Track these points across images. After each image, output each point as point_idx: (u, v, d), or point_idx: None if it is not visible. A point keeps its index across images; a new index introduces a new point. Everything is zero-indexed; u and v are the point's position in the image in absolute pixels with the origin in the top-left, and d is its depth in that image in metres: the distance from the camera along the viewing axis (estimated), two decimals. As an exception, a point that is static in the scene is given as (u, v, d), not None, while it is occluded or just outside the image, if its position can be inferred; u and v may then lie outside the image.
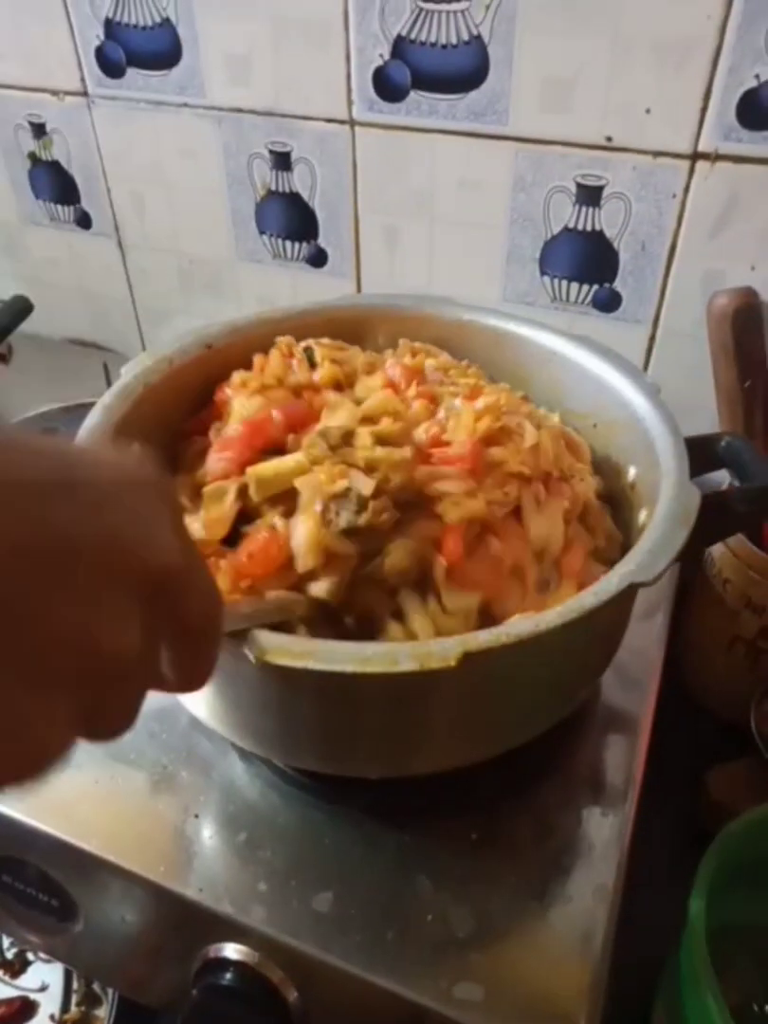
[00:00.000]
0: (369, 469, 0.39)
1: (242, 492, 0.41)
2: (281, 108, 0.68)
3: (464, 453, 0.41)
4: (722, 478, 0.51)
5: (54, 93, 0.76)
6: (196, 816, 0.44)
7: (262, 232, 0.75)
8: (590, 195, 0.61)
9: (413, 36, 0.60)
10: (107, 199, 0.81)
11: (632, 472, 0.46)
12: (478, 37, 0.58)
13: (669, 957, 0.44)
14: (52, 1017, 0.61)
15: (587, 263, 0.64)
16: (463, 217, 0.67)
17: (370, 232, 0.71)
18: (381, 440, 0.41)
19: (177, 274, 0.83)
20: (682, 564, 0.37)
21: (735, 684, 0.59)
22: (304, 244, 0.74)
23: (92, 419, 0.44)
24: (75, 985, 0.62)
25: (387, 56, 0.62)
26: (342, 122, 0.66)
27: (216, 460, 0.43)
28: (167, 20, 0.67)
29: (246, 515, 0.41)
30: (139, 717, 0.24)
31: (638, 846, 0.44)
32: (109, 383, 0.46)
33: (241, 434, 0.43)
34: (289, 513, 0.39)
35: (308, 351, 0.49)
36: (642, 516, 0.42)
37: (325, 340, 0.51)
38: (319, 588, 0.37)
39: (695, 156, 0.57)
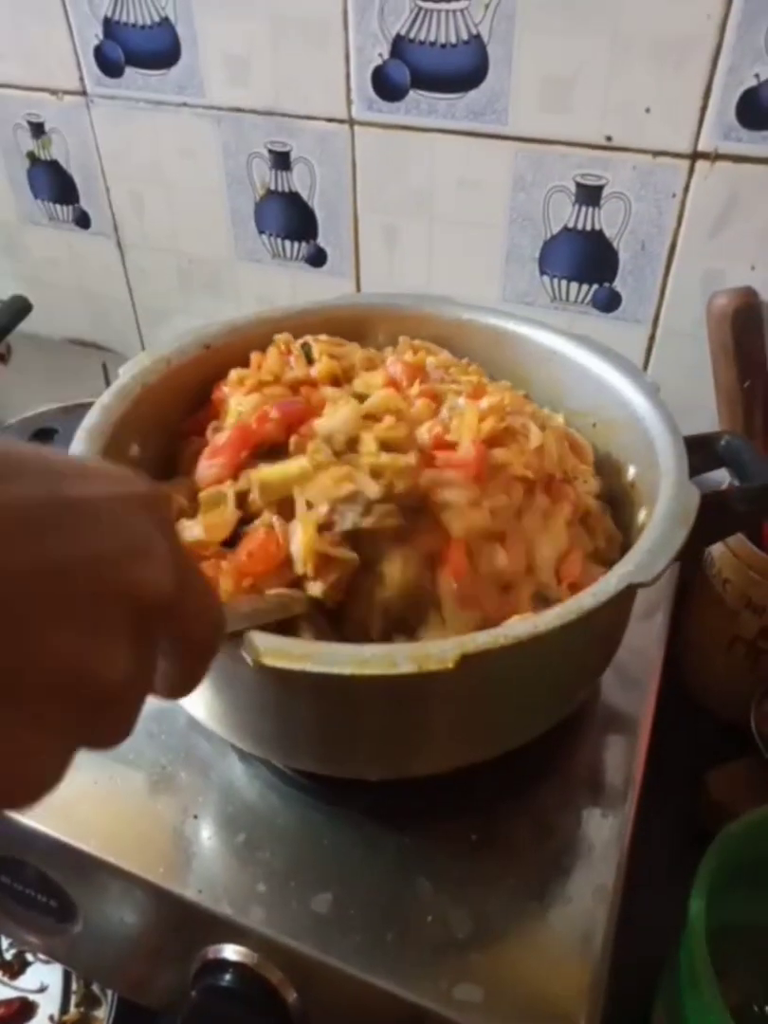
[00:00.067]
0: (374, 475, 0.38)
1: (241, 495, 0.40)
2: (280, 107, 0.67)
3: (469, 459, 0.41)
4: (721, 477, 0.51)
5: (53, 92, 0.76)
6: (195, 817, 0.44)
7: (261, 232, 0.75)
8: (590, 195, 0.61)
9: (412, 35, 0.60)
10: (106, 199, 0.81)
11: (631, 471, 0.45)
12: (477, 36, 0.58)
13: (669, 957, 0.44)
14: (51, 1018, 0.61)
15: (587, 263, 0.64)
16: (463, 216, 0.67)
17: (369, 232, 0.71)
18: (385, 445, 0.40)
19: (176, 274, 0.82)
20: (682, 564, 0.37)
21: (735, 684, 0.59)
22: (303, 244, 0.74)
23: (90, 419, 0.43)
24: (74, 986, 0.62)
25: (386, 55, 0.61)
26: (341, 121, 0.66)
27: (207, 466, 0.42)
28: (166, 19, 0.67)
29: (244, 515, 0.41)
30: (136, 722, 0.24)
31: (638, 846, 0.44)
32: (108, 383, 0.46)
33: (231, 439, 0.42)
34: (287, 513, 0.39)
35: (305, 347, 0.49)
36: (641, 515, 0.42)
37: (323, 337, 0.51)
38: (316, 587, 0.37)
39: (695, 156, 0.57)
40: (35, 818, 0.43)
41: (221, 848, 0.43)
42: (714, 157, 0.56)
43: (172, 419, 0.48)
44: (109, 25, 0.70)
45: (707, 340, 0.59)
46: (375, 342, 0.53)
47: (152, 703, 0.25)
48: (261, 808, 0.45)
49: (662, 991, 0.46)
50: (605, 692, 0.50)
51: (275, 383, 0.47)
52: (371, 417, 0.43)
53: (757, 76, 0.53)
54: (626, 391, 0.46)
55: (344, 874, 0.41)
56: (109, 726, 0.23)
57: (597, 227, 0.63)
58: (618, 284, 0.64)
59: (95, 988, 0.62)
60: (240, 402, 0.45)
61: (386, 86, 0.63)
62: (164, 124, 0.73)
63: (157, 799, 0.45)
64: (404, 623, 0.39)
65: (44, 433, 0.63)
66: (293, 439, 0.42)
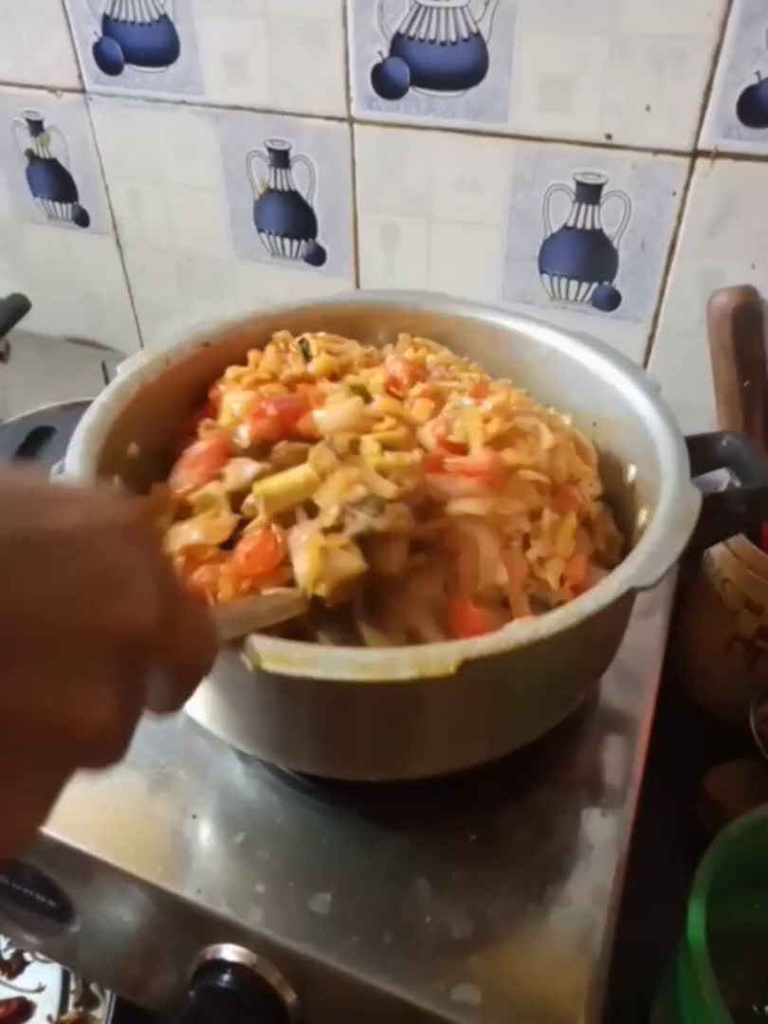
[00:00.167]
0: (381, 474, 0.38)
1: (234, 499, 0.40)
2: (279, 106, 0.67)
3: (483, 466, 0.40)
4: (721, 477, 0.51)
5: (51, 90, 0.76)
6: (194, 817, 0.44)
7: (260, 230, 0.75)
8: (589, 193, 0.61)
9: (412, 33, 0.60)
10: (105, 197, 0.81)
11: (632, 471, 0.45)
12: (477, 34, 0.58)
13: (668, 958, 0.44)
14: (49, 1018, 0.61)
15: (586, 261, 0.64)
16: (462, 215, 0.66)
17: (369, 230, 0.71)
18: (387, 445, 0.40)
19: (175, 272, 0.82)
20: (681, 563, 0.37)
21: (734, 684, 0.59)
22: (303, 242, 0.74)
23: (88, 418, 0.43)
24: (72, 986, 0.62)
25: (386, 53, 0.61)
26: (341, 120, 0.66)
27: (187, 477, 0.42)
28: (164, 17, 0.67)
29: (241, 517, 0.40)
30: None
31: (637, 847, 0.44)
32: (107, 381, 0.46)
33: (209, 449, 0.42)
34: (287, 519, 0.39)
35: (303, 344, 0.49)
36: (642, 516, 0.42)
37: (321, 334, 0.50)
38: (322, 588, 0.37)
39: (695, 154, 0.57)
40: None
41: (220, 848, 0.43)
42: (714, 155, 0.56)
43: (171, 417, 0.48)
44: (108, 23, 0.69)
45: (707, 339, 0.59)
46: (375, 340, 0.53)
47: (150, 704, 0.25)
48: (260, 808, 0.44)
49: (661, 992, 0.46)
50: (605, 692, 0.50)
51: (272, 381, 0.46)
52: (372, 419, 0.43)
53: (758, 74, 0.53)
54: (627, 390, 0.46)
55: (343, 875, 0.41)
56: (96, 761, 0.22)
57: (597, 226, 0.62)
58: (618, 283, 0.64)
59: (93, 988, 0.62)
60: (235, 399, 0.45)
61: (386, 84, 0.63)
62: (163, 122, 0.73)
63: (156, 799, 0.45)
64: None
65: (43, 431, 0.63)
66: (281, 445, 0.41)
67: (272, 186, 0.72)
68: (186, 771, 0.46)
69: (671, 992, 0.42)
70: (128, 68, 0.71)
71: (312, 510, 0.38)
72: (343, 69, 0.63)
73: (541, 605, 0.39)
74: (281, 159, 0.70)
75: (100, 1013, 0.61)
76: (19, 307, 0.81)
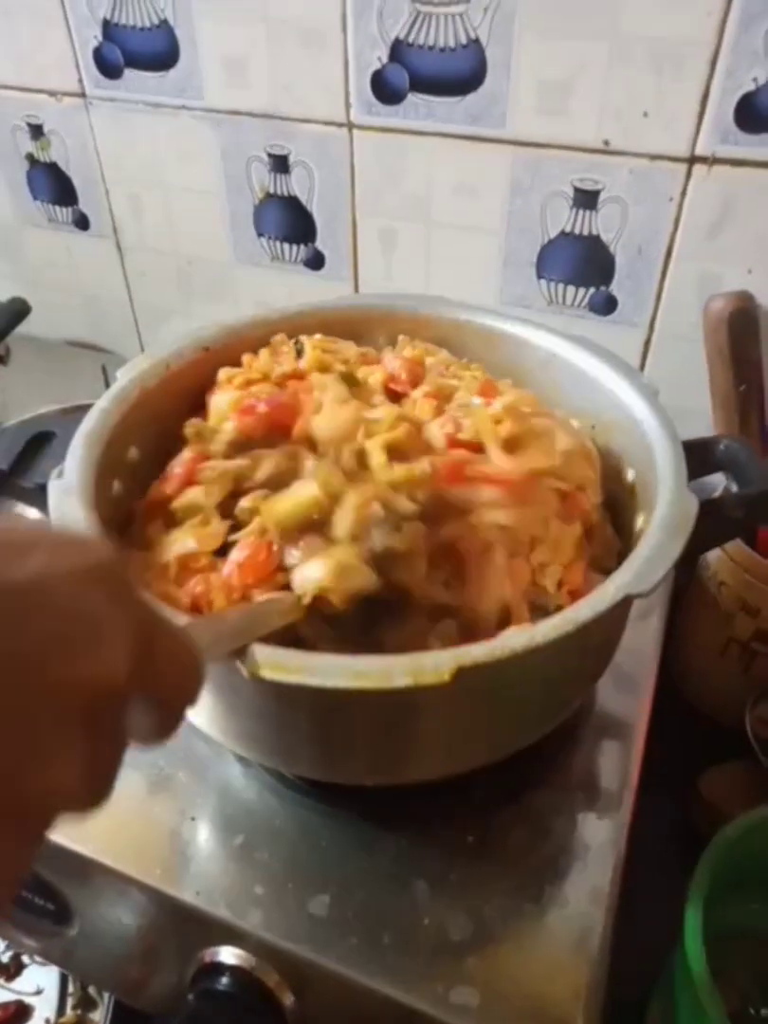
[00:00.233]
0: (393, 489, 0.37)
1: (222, 506, 0.40)
2: (279, 111, 0.68)
3: (511, 476, 0.39)
4: (717, 482, 0.51)
5: (52, 94, 0.76)
6: (193, 819, 0.44)
7: (260, 234, 0.75)
8: (587, 199, 0.61)
9: (411, 39, 0.60)
10: (105, 201, 0.81)
11: (630, 475, 0.45)
12: (476, 40, 0.58)
13: (665, 960, 0.44)
14: (47, 1021, 0.61)
15: (584, 266, 0.65)
16: (460, 220, 0.67)
17: (368, 235, 0.71)
18: (393, 451, 0.39)
19: (175, 276, 0.82)
20: (678, 567, 0.37)
21: (729, 686, 0.59)
22: (302, 247, 0.74)
23: (88, 423, 0.43)
24: (71, 989, 0.62)
25: (385, 59, 0.62)
26: (340, 125, 0.66)
27: (163, 486, 0.42)
28: (165, 22, 0.67)
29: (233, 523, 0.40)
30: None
31: (634, 848, 0.44)
32: (107, 385, 0.46)
33: (183, 474, 0.42)
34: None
35: (297, 344, 0.49)
36: (639, 521, 0.42)
37: (318, 336, 0.50)
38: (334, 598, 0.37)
39: (692, 159, 0.57)
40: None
41: (219, 850, 0.43)
42: (711, 161, 0.57)
43: (171, 422, 0.48)
44: (108, 27, 0.70)
45: (703, 343, 0.60)
46: (374, 344, 0.53)
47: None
48: (259, 810, 0.45)
49: (659, 994, 0.46)
50: (601, 695, 0.50)
51: (263, 381, 0.46)
52: (370, 421, 0.42)
53: (755, 80, 0.53)
54: (625, 394, 0.46)
55: (342, 877, 0.41)
56: (73, 811, 0.21)
57: (594, 231, 0.63)
58: (615, 288, 0.65)
59: (91, 991, 0.62)
60: (223, 398, 0.44)
61: (385, 90, 0.63)
62: (163, 126, 0.73)
63: (155, 800, 0.45)
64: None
65: (43, 436, 0.63)
66: (269, 455, 0.41)
67: (272, 191, 0.72)
68: (185, 773, 0.46)
69: (668, 994, 0.43)
70: (128, 72, 0.71)
71: (323, 524, 0.38)
72: (342, 75, 0.64)
73: (538, 610, 0.39)
74: (280, 164, 0.70)
75: (98, 1016, 0.61)
76: (19, 310, 0.82)
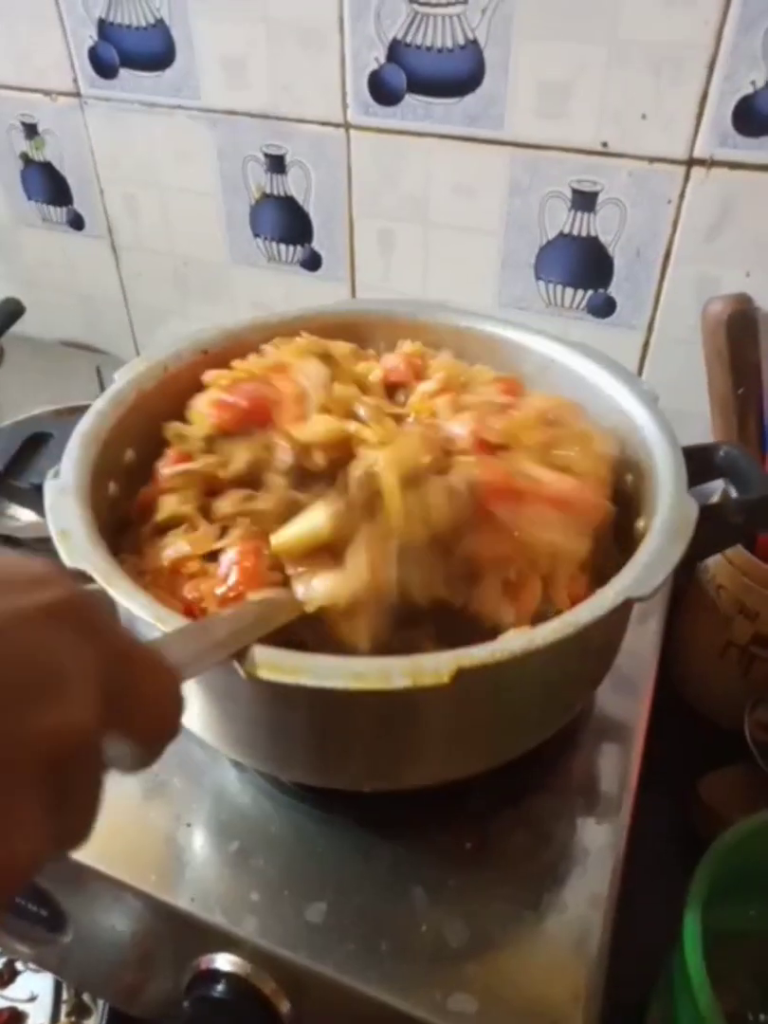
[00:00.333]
0: (416, 525, 0.35)
1: (205, 508, 0.40)
2: (276, 111, 0.67)
3: (572, 496, 0.37)
4: (715, 487, 0.51)
5: (47, 93, 0.76)
6: (188, 825, 0.44)
7: (256, 235, 0.75)
8: (585, 200, 0.61)
9: (409, 39, 0.60)
10: (100, 201, 0.80)
11: (629, 479, 0.45)
12: (474, 41, 0.58)
13: (664, 965, 0.44)
14: (41, 1027, 0.61)
15: (582, 268, 0.64)
16: (458, 221, 0.67)
17: (365, 236, 0.71)
18: (406, 481, 0.36)
19: (171, 277, 0.82)
20: (677, 570, 0.37)
21: (728, 690, 0.59)
22: (298, 247, 0.74)
23: (85, 424, 0.43)
24: (65, 996, 0.62)
25: (382, 59, 0.61)
26: (337, 125, 0.66)
27: (151, 489, 0.42)
28: (160, 21, 0.67)
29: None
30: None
31: (633, 851, 0.44)
32: (102, 386, 0.46)
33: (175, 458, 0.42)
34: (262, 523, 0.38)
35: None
36: (639, 525, 0.42)
37: (324, 346, 0.50)
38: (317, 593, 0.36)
39: (691, 162, 0.57)
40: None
41: (214, 856, 0.43)
42: (710, 163, 0.57)
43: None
44: (103, 26, 0.69)
45: (702, 346, 0.59)
46: (375, 348, 0.53)
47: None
48: (255, 816, 0.44)
49: (657, 999, 0.45)
50: (600, 698, 0.50)
51: (249, 380, 0.45)
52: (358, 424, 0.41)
53: (753, 83, 0.53)
54: (624, 400, 0.46)
55: (338, 883, 0.41)
56: (51, 858, 0.20)
57: (592, 233, 0.63)
58: (613, 290, 0.64)
59: (86, 998, 0.62)
60: (200, 400, 0.44)
61: (382, 90, 0.63)
62: (159, 126, 0.73)
63: (150, 806, 0.45)
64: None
65: (39, 437, 0.62)
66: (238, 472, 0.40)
67: (268, 191, 0.72)
68: (180, 778, 0.46)
69: (667, 996, 0.42)
70: (124, 72, 0.71)
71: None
72: (339, 75, 0.63)
73: (538, 615, 0.39)
74: (277, 164, 0.70)
75: (93, 1023, 0.61)
76: (13, 311, 0.81)
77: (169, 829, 0.44)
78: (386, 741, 0.38)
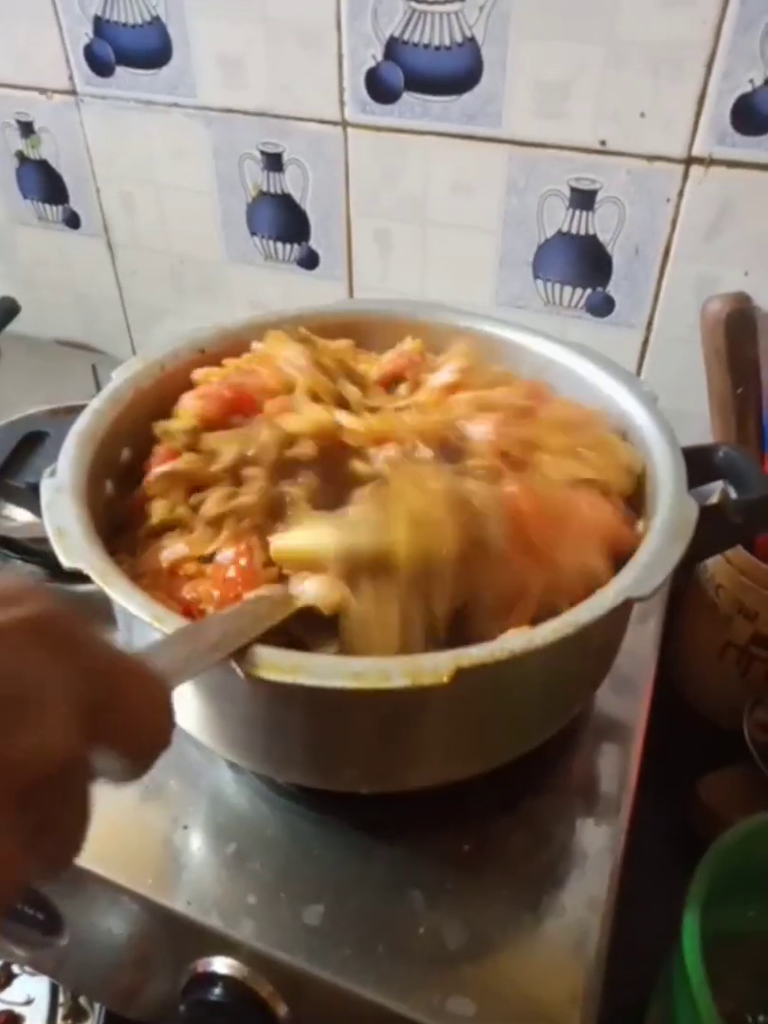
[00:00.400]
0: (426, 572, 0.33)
1: (196, 508, 0.40)
2: (272, 109, 0.67)
3: (612, 529, 0.37)
4: (715, 487, 0.51)
5: (42, 91, 0.75)
6: (185, 827, 0.44)
7: (253, 233, 0.75)
8: (584, 199, 0.61)
9: (406, 37, 0.60)
10: (96, 199, 0.80)
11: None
12: (471, 39, 0.58)
13: (663, 966, 0.44)
14: (38, 1030, 0.60)
15: (580, 267, 0.64)
16: (456, 220, 0.66)
17: (362, 234, 0.70)
18: (416, 521, 0.34)
19: (168, 275, 0.82)
20: (676, 570, 0.37)
21: (727, 690, 0.59)
22: (296, 246, 0.74)
23: (81, 423, 0.43)
24: (61, 999, 0.61)
25: (380, 57, 0.61)
26: (334, 123, 0.66)
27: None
28: (157, 18, 0.66)
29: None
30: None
31: (632, 851, 0.44)
32: (98, 385, 0.46)
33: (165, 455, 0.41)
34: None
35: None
36: (639, 526, 0.42)
37: (302, 330, 0.50)
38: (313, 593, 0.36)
39: (689, 161, 0.57)
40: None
41: (211, 859, 0.42)
42: (708, 162, 0.56)
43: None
44: (99, 24, 0.69)
45: (700, 346, 0.59)
46: (374, 348, 0.52)
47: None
48: (252, 818, 0.44)
49: (656, 1000, 0.45)
50: (599, 698, 0.50)
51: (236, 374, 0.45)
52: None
53: (751, 81, 0.53)
54: (624, 400, 0.45)
55: (336, 886, 0.41)
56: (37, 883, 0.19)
57: (591, 231, 0.62)
58: (612, 289, 0.64)
59: (82, 1001, 0.61)
60: (187, 398, 0.44)
61: (379, 88, 0.62)
62: (155, 124, 0.72)
63: (146, 808, 0.44)
64: None
65: (36, 436, 0.62)
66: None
67: (265, 189, 0.72)
68: (177, 780, 0.46)
69: (666, 999, 0.42)
70: (120, 70, 0.71)
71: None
72: (337, 73, 0.63)
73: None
74: (274, 162, 0.70)
75: (89, 1025, 0.60)
76: (9, 310, 0.81)
77: (166, 831, 0.43)
78: (384, 742, 0.37)
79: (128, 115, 0.73)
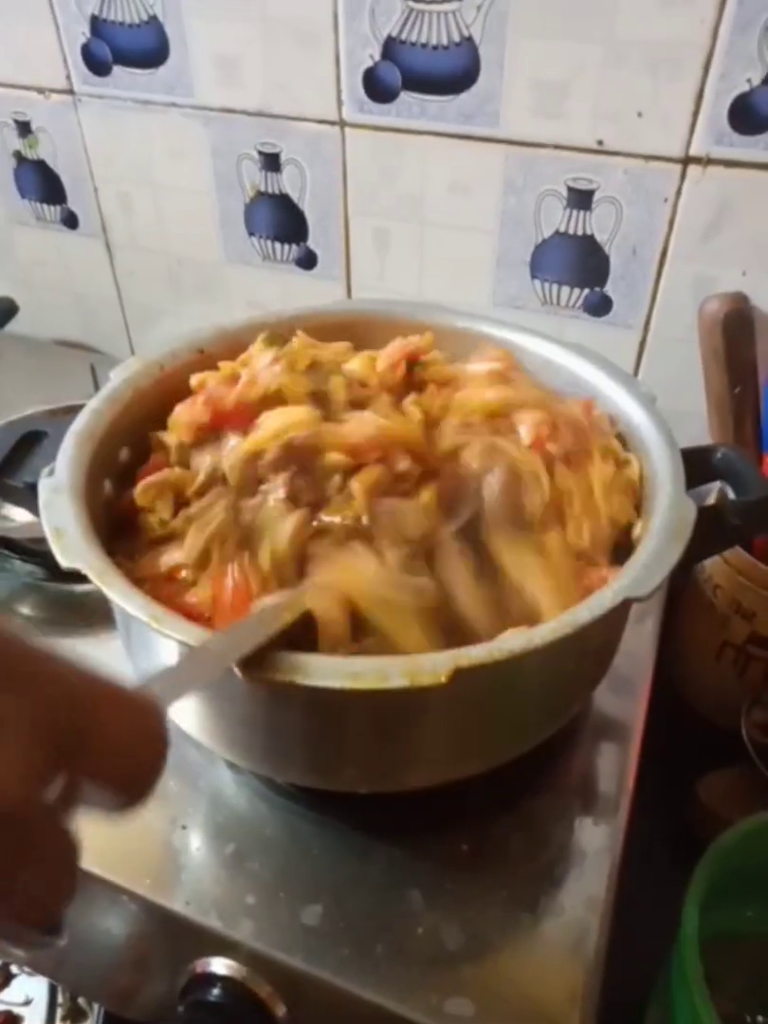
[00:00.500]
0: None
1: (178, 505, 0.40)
2: (270, 109, 0.67)
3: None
4: (713, 487, 0.51)
5: (40, 91, 0.75)
6: (184, 827, 0.44)
7: (251, 233, 0.75)
8: (581, 199, 0.61)
9: (403, 37, 0.60)
10: (94, 199, 0.80)
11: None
12: (469, 38, 0.58)
13: (662, 967, 0.44)
14: (36, 1030, 0.60)
15: (578, 267, 0.64)
16: (454, 219, 0.66)
17: (360, 234, 0.70)
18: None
19: (166, 275, 0.82)
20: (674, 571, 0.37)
21: (725, 690, 0.59)
22: (294, 246, 0.74)
23: (80, 422, 0.43)
24: (60, 999, 0.61)
25: (377, 57, 0.61)
26: (332, 123, 0.66)
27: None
28: (154, 18, 0.66)
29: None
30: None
31: (630, 851, 0.44)
32: (96, 385, 0.46)
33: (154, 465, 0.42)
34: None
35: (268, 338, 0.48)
36: (637, 527, 0.42)
37: (299, 333, 0.49)
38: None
39: (687, 160, 0.57)
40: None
41: (210, 859, 0.42)
42: (706, 162, 0.56)
43: (163, 424, 0.47)
44: (96, 23, 0.69)
45: (698, 346, 0.59)
46: (373, 348, 0.52)
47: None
48: (251, 818, 0.44)
49: (655, 1001, 0.45)
50: (597, 698, 0.50)
51: (233, 381, 0.45)
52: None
53: (749, 81, 0.53)
54: (622, 401, 0.45)
55: (334, 886, 0.41)
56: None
57: (588, 231, 0.62)
58: (609, 289, 0.64)
59: (81, 1002, 0.61)
60: (179, 409, 0.44)
61: (377, 88, 0.62)
62: (153, 124, 0.72)
63: (145, 809, 0.44)
64: None
65: (34, 435, 0.62)
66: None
67: (263, 189, 0.72)
68: (176, 780, 0.46)
69: (665, 998, 0.42)
70: (117, 69, 0.70)
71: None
72: (334, 72, 0.63)
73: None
74: (272, 162, 0.70)
75: (88, 1026, 0.60)
76: (7, 310, 0.81)
77: (165, 832, 0.43)
78: (383, 742, 0.37)
79: (126, 115, 0.73)
